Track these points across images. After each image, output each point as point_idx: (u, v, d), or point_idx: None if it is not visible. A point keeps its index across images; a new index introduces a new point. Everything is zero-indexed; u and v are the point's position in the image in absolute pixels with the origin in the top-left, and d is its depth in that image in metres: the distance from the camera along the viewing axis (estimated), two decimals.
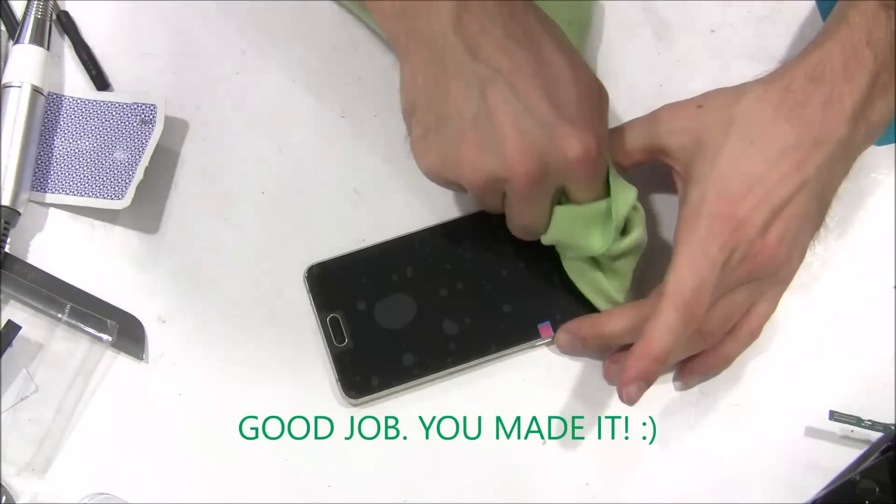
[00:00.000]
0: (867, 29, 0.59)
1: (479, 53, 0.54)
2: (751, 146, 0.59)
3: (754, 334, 0.63)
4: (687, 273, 0.58)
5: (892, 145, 0.69)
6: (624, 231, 0.60)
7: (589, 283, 0.63)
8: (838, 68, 0.59)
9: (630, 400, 0.58)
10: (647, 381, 0.58)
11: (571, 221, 0.59)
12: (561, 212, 0.59)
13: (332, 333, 0.63)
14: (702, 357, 0.63)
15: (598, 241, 0.59)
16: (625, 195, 0.59)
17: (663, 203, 0.67)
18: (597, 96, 0.57)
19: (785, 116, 0.59)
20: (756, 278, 0.60)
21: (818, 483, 0.60)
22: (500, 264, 0.64)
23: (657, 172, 0.64)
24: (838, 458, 0.61)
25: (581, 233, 0.59)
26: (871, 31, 0.59)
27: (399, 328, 0.63)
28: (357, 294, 0.63)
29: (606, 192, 0.59)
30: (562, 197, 0.59)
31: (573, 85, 0.55)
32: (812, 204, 0.60)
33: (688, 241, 0.58)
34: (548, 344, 0.64)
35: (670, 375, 0.64)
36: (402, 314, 0.63)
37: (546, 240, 0.61)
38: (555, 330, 0.64)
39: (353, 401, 0.62)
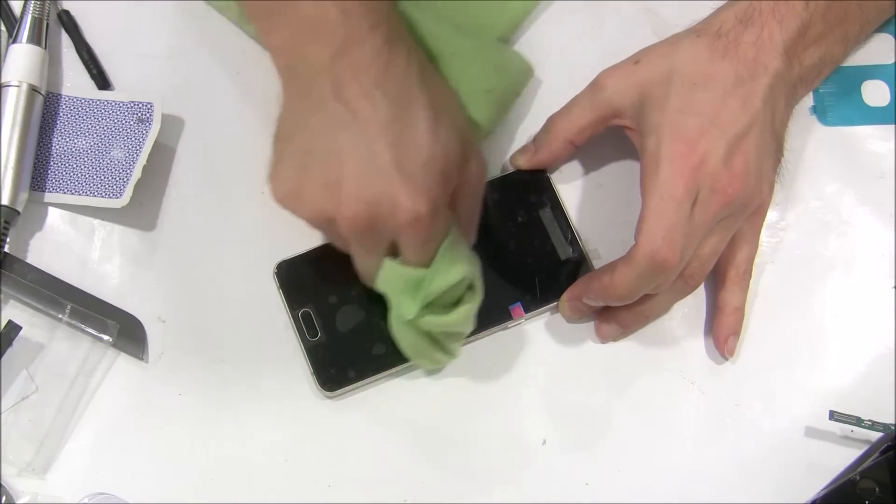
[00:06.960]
0: None
1: (342, 95, 0.54)
2: (694, 87, 0.60)
3: (745, 277, 0.64)
4: (655, 218, 0.58)
5: (892, 128, 0.70)
6: (450, 308, 0.58)
7: (409, 343, 0.61)
8: (767, 11, 0.61)
9: (569, 315, 0.64)
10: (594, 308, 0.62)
11: (392, 279, 0.58)
12: (387, 265, 0.58)
13: (304, 328, 0.63)
14: (719, 321, 0.64)
15: (407, 308, 0.58)
16: (446, 273, 0.57)
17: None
18: (452, 168, 0.56)
19: (721, 55, 0.61)
20: (730, 213, 0.60)
21: (818, 483, 0.60)
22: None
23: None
24: (838, 458, 0.61)
25: (398, 293, 0.58)
26: None
27: (371, 319, 0.63)
28: (327, 288, 0.63)
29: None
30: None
31: (427, 147, 0.54)
32: (765, 136, 0.61)
33: (652, 187, 0.59)
34: (519, 325, 0.65)
35: (671, 376, 0.64)
36: (374, 305, 0.62)
37: (379, 289, 0.59)
38: (526, 311, 0.64)
39: (328, 394, 0.62)
